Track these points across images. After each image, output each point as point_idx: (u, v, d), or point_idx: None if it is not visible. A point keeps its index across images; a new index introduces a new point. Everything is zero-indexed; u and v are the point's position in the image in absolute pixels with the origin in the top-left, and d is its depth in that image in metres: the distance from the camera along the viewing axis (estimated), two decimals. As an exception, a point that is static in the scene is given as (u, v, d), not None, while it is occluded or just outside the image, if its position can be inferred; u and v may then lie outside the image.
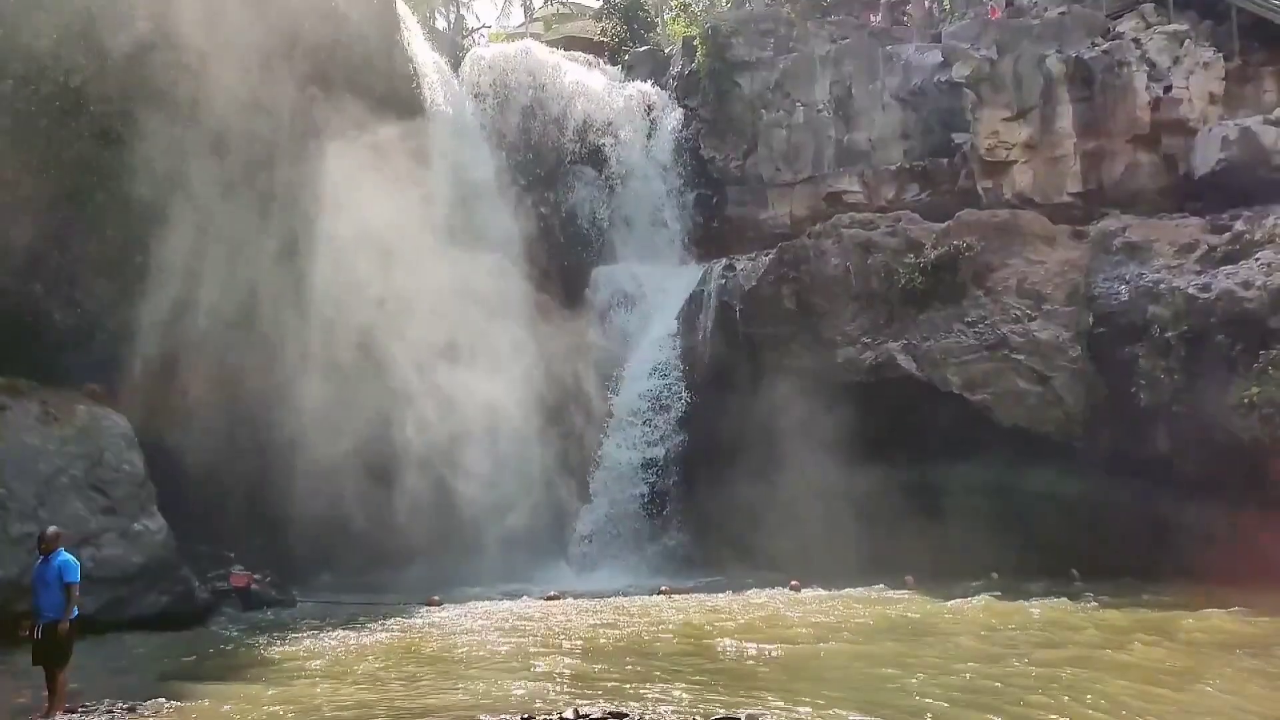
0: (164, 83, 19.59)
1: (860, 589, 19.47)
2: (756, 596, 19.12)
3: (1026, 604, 17.27)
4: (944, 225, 23.92)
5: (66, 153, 18.83)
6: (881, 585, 19.69)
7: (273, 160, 20.62)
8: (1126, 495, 20.94)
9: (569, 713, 9.35)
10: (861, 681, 11.70)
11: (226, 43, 20.08)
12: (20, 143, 18.28)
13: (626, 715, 9.28)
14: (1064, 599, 17.62)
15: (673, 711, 9.80)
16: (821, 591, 19.35)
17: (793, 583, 20.21)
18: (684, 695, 10.89)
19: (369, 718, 9.88)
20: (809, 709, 10.24)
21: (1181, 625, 14.92)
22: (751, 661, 12.98)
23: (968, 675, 11.82)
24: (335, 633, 15.50)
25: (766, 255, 26.05)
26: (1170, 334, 20.70)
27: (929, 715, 10.13)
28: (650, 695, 10.86)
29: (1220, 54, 23.58)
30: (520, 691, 11.14)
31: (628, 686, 11.40)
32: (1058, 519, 21.43)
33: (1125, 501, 20.90)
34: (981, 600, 17.90)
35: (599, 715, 9.22)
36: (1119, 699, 10.58)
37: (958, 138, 25.61)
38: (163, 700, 11.02)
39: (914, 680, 11.57)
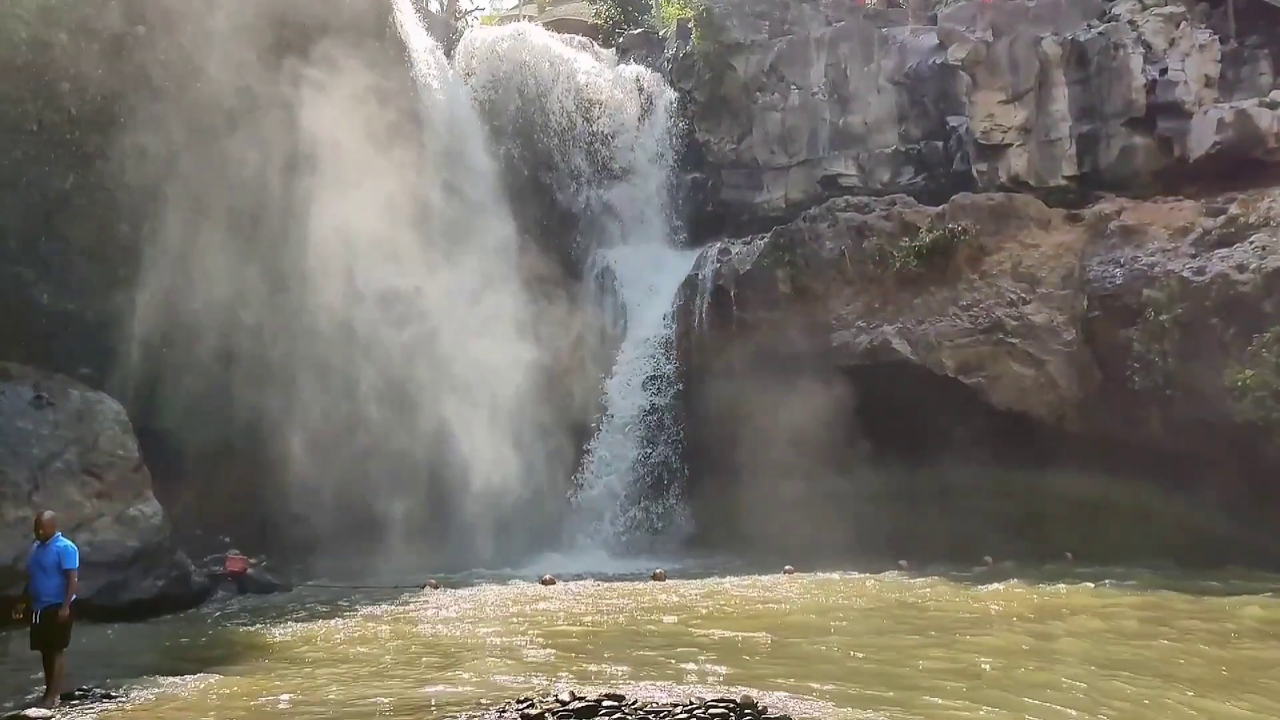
0: (154, 66, 19.45)
1: (853, 573, 19.47)
2: (751, 580, 19.13)
3: (1052, 589, 16.97)
4: (939, 208, 23.92)
5: (56, 137, 18.70)
6: (878, 570, 19.70)
7: (265, 143, 20.48)
8: (1119, 480, 21.04)
9: (565, 695, 9.36)
10: (868, 669, 11.71)
11: (216, 24, 19.95)
12: (8, 126, 18.16)
13: (623, 699, 9.29)
14: (1087, 584, 17.30)
15: (669, 695, 9.82)
16: (819, 576, 19.38)
17: (787, 567, 20.25)
18: (680, 679, 10.93)
19: (372, 709, 9.87)
20: (807, 693, 10.28)
21: (1229, 612, 14.49)
22: (748, 646, 13.01)
23: (974, 664, 11.72)
24: (332, 618, 15.49)
25: (762, 239, 26.03)
26: (1164, 317, 20.75)
27: (931, 703, 10.14)
28: (647, 679, 10.90)
29: (1216, 36, 23.52)
30: (516, 676, 11.17)
31: (624, 670, 11.44)
32: (1049, 504, 21.54)
33: (1117, 486, 21.00)
34: (1005, 586, 17.42)
35: (595, 698, 9.24)
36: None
37: (953, 121, 25.56)
38: (159, 686, 11.00)
39: (919, 669, 11.53)
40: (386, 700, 10.10)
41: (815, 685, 10.55)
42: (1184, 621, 13.93)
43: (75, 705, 10.27)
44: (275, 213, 20.64)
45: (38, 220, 18.57)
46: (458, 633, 14.14)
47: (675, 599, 16.92)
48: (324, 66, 21.24)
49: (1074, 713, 9.49)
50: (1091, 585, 17.26)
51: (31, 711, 9.81)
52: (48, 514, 11.27)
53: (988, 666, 11.45)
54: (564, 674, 11.23)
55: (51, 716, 9.76)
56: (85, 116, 18.91)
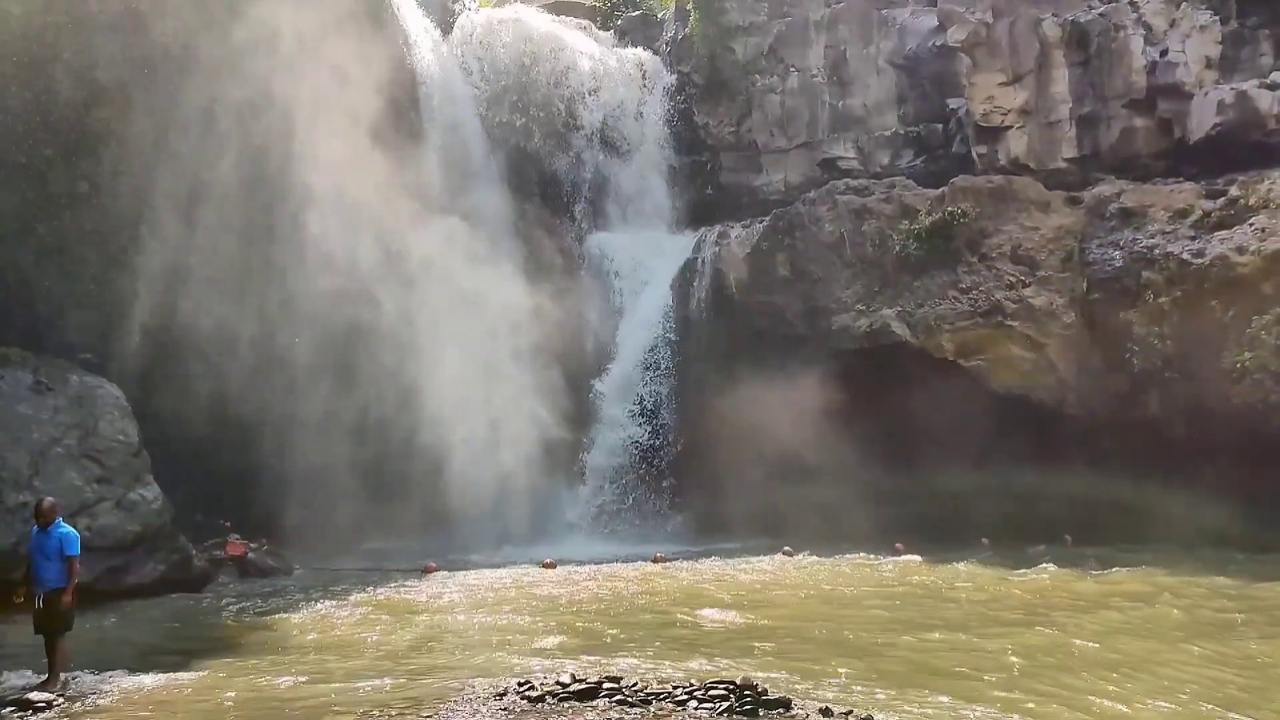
0: (151, 46, 19.37)
1: (851, 555, 19.55)
2: (750, 563, 19.22)
3: (1084, 573, 16.69)
4: (939, 191, 23.85)
5: (52, 119, 18.63)
6: (875, 552, 19.79)
7: (262, 125, 20.43)
8: (1118, 463, 21.06)
9: (565, 677, 9.42)
10: (870, 650, 11.75)
11: (210, 7, 19.87)
12: (5, 109, 18.08)
13: (622, 680, 9.35)
14: (1117, 568, 16.97)
15: (668, 677, 9.88)
16: (817, 558, 19.45)
17: (785, 548, 20.35)
18: (681, 661, 10.99)
19: (372, 693, 9.91)
20: (809, 675, 10.33)
21: None
22: (749, 629, 13.06)
23: (995, 649, 11.74)
24: (332, 602, 15.54)
25: (761, 222, 25.98)
26: (1164, 299, 20.77)
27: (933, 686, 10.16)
28: (647, 661, 10.96)
29: (1217, 17, 23.37)
30: (517, 659, 11.22)
31: (625, 653, 11.50)
32: (1046, 486, 21.53)
33: (1117, 469, 21.00)
34: (1046, 571, 17.08)
35: (595, 680, 9.30)
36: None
37: (953, 103, 25.46)
38: (160, 671, 11.04)
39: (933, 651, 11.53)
40: (387, 684, 10.14)
41: (818, 667, 10.61)
42: (1241, 614, 13.47)
43: (75, 689, 10.32)
44: (272, 194, 20.60)
45: (35, 204, 18.52)
46: (458, 616, 14.19)
47: (675, 582, 16.99)
48: (321, 45, 21.16)
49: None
50: (1125, 570, 16.86)
51: (34, 695, 9.86)
52: (48, 501, 11.28)
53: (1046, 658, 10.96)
54: (565, 657, 11.28)
55: (54, 700, 9.81)
56: (81, 99, 18.84)
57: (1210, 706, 9.24)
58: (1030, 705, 9.29)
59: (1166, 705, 9.30)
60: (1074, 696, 9.57)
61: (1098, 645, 11.65)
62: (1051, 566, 17.45)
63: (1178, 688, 9.83)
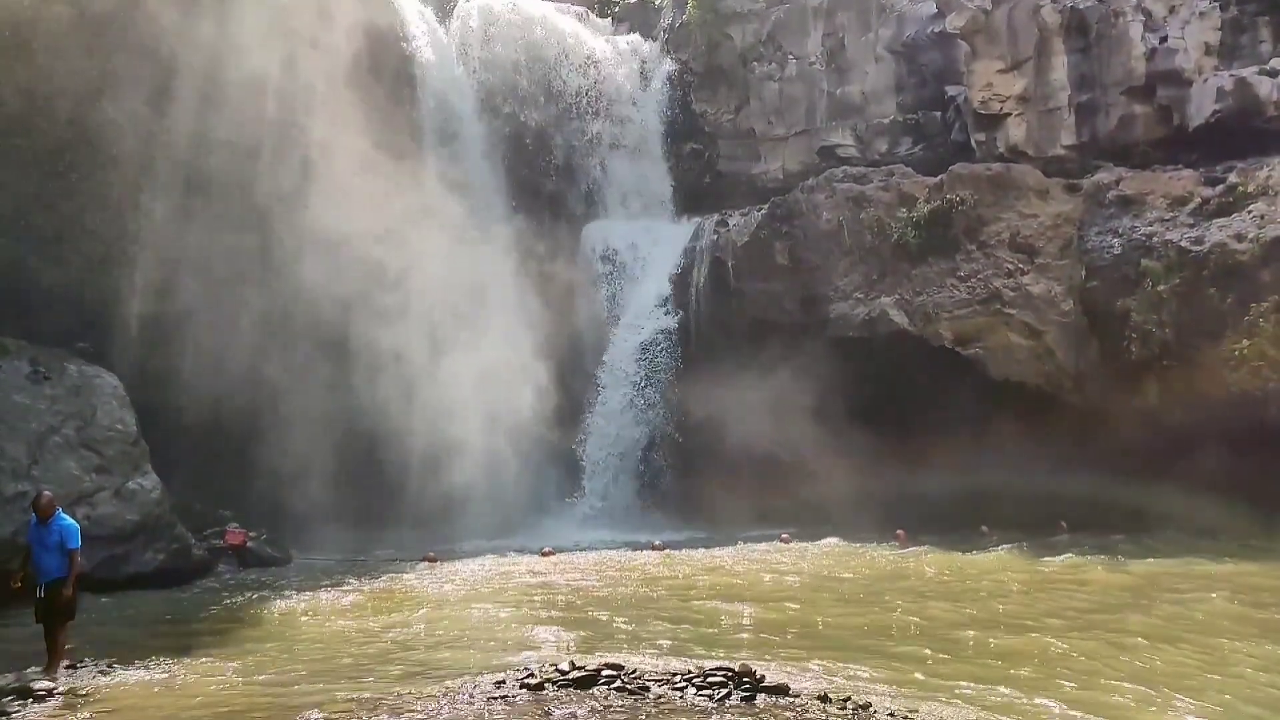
0: (146, 36, 19.29)
1: (850, 543, 19.55)
2: (748, 550, 19.24)
3: (1113, 562, 16.43)
4: (937, 179, 23.80)
5: (47, 110, 18.55)
6: (873, 540, 19.80)
7: (258, 115, 20.35)
8: (1115, 451, 21.05)
9: (565, 665, 9.44)
10: (865, 640, 11.77)
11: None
12: (1, 100, 18.02)
13: (622, 668, 9.37)
14: (1150, 560, 16.60)
15: (669, 665, 9.90)
16: (816, 545, 19.48)
17: (783, 535, 20.38)
18: (677, 649, 11.01)
19: (372, 684, 9.92)
20: (809, 664, 10.36)
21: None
22: (749, 618, 13.07)
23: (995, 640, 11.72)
24: (332, 592, 15.56)
25: (759, 210, 25.94)
26: (1162, 287, 20.76)
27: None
28: (645, 649, 10.98)
29: (1216, 4, 23.25)
30: (516, 648, 11.25)
31: (624, 641, 11.52)
32: (1039, 473, 21.53)
33: (1114, 457, 21.00)
34: (1067, 560, 16.83)
35: (595, 667, 9.32)
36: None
37: (951, 90, 25.39)
38: (158, 661, 11.04)
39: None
40: (387, 673, 10.16)
41: (817, 656, 10.63)
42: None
43: (76, 679, 10.33)
44: (269, 184, 20.54)
45: (31, 194, 18.47)
46: (457, 606, 14.21)
47: (674, 570, 17.02)
48: (316, 33, 21.06)
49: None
50: (1153, 560, 16.57)
51: (35, 684, 9.88)
52: (46, 494, 11.27)
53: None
54: (563, 645, 11.31)
55: (54, 689, 9.82)
56: (74, 87, 18.76)
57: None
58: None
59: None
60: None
61: (1146, 645, 11.01)
62: (1072, 556, 17.25)
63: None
